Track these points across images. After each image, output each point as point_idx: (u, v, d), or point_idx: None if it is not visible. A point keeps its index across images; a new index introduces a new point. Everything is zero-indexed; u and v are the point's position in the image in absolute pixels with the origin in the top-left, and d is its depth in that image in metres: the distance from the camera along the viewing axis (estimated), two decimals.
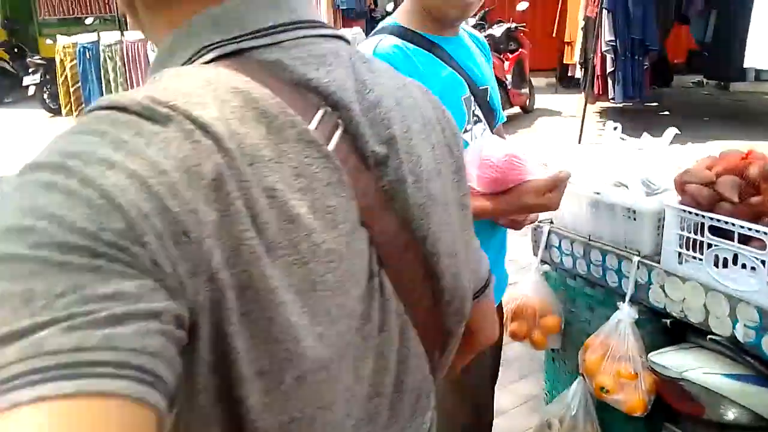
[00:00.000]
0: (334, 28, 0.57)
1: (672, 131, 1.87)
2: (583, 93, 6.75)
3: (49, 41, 8.88)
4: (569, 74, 8.26)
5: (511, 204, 1.25)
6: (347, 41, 0.58)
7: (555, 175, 1.25)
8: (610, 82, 6.16)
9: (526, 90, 7.65)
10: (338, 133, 0.50)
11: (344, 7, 8.06)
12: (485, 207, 1.27)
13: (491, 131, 1.48)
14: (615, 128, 1.65)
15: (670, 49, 7.94)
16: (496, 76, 6.11)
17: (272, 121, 0.45)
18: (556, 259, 1.79)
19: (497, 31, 7.35)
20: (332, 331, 0.45)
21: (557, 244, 1.77)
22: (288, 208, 0.44)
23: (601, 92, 6.35)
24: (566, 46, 8.03)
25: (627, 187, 1.61)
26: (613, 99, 6.28)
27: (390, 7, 8.89)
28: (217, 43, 0.49)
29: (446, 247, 0.58)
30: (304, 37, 0.52)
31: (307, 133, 0.47)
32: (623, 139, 1.71)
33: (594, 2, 6.22)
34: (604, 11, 5.96)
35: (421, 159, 0.56)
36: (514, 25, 7.50)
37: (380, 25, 1.40)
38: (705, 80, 8.65)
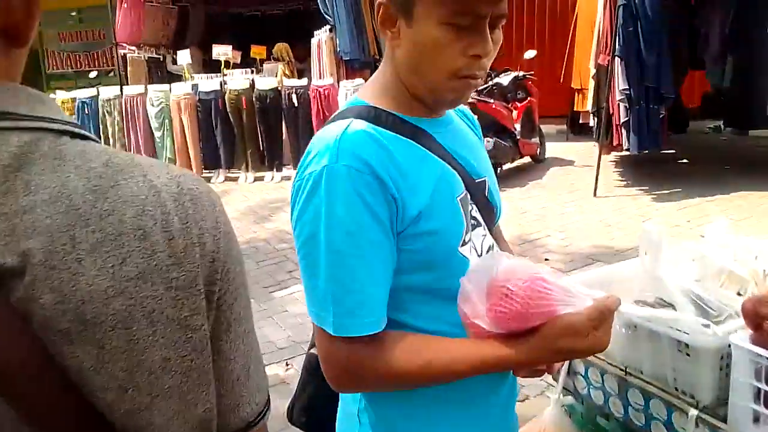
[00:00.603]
0: (39, 119, 0.54)
1: (722, 224, 1.52)
2: (596, 142, 6.45)
3: (52, 95, 8.79)
4: (580, 121, 7.99)
5: (542, 349, 0.89)
6: (59, 132, 0.55)
7: (600, 303, 0.87)
8: (624, 131, 5.84)
9: (536, 139, 7.38)
10: None
11: (347, 58, 7.86)
12: (506, 356, 0.90)
13: (490, 233, 1.14)
14: (655, 233, 1.29)
15: (684, 93, 7.65)
16: (504, 125, 5.79)
17: None
18: (581, 390, 1.42)
19: (504, 80, 7.11)
20: None
21: (583, 372, 1.40)
22: None
23: (618, 142, 6.04)
24: (576, 93, 7.76)
25: (673, 306, 1.25)
26: (628, 149, 5.95)
27: None
28: None
29: (110, 379, 0.53)
30: None
31: None
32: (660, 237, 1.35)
33: (605, 50, 5.95)
34: (617, 59, 5.68)
35: (81, 276, 0.51)
36: (521, 73, 7.27)
37: (343, 105, 1.07)
38: (722, 126, 8.33)
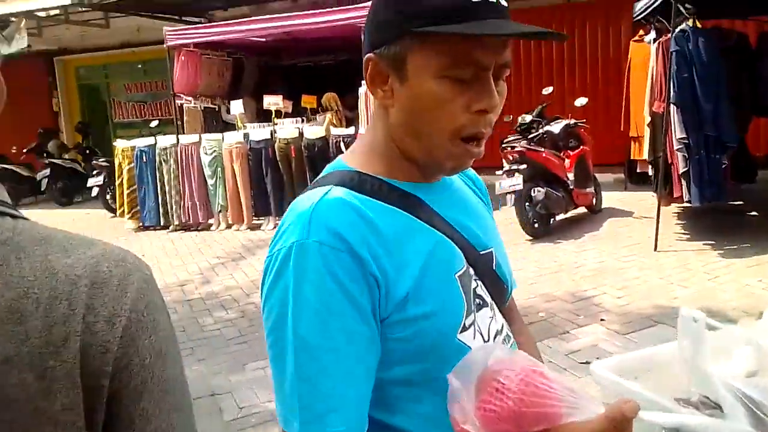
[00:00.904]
0: None
1: None
2: (655, 193, 6.13)
3: (115, 144, 9.18)
4: (638, 170, 7.66)
5: None
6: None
7: (614, 410, 0.68)
8: (684, 182, 5.51)
9: (591, 189, 7.09)
10: None
11: None
12: None
13: (501, 313, 0.98)
14: (695, 320, 1.10)
15: (750, 141, 7.24)
16: (556, 174, 5.51)
17: None
18: None
19: (555, 128, 6.90)
20: None
21: None
22: None
23: (678, 193, 5.71)
24: (633, 141, 7.48)
25: (720, 407, 1.05)
26: (688, 201, 5.61)
27: None
28: None
29: None
30: None
31: None
32: (712, 328, 1.15)
33: (660, 97, 5.70)
34: (672, 107, 5.41)
35: None
36: (573, 121, 7.05)
37: (326, 169, 0.95)
38: None
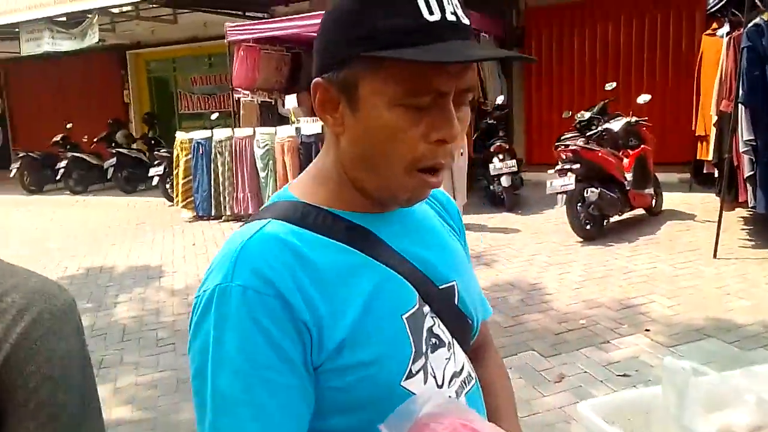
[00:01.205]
0: None
1: None
2: (717, 196, 5.76)
3: (176, 135, 9.45)
4: (705, 170, 7.22)
5: None
6: None
7: None
8: (749, 187, 5.14)
9: (650, 190, 6.72)
10: None
11: None
12: None
13: (464, 351, 0.90)
14: (683, 369, 0.97)
15: None
16: (612, 175, 5.20)
17: None
18: None
19: (615, 125, 6.59)
20: None
21: None
22: None
23: (744, 198, 5.33)
24: (699, 140, 7.04)
25: None
26: (753, 207, 5.23)
27: (500, 99, 8.44)
28: None
29: None
30: None
31: None
32: (702, 375, 1.03)
33: (728, 95, 5.32)
34: (740, 106, 5.04)
35: None
36: (634, 118, 6.70)
37: (272, 198, 0.88)
38: None
